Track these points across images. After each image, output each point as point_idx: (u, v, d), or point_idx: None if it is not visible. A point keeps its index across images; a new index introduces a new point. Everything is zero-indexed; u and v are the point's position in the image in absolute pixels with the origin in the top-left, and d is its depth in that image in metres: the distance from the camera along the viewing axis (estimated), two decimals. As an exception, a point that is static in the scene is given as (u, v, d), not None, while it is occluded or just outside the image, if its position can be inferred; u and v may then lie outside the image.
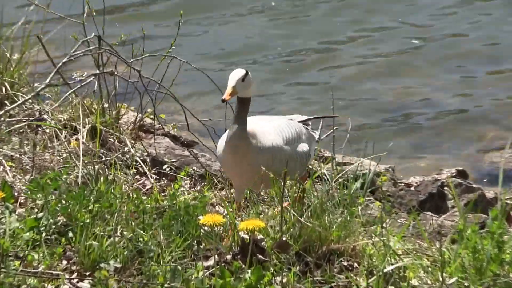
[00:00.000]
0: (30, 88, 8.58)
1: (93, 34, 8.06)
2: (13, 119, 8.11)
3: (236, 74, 6.44)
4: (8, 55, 8.82)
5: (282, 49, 14.51)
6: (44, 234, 6.14)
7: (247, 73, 6.45)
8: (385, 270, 6.04)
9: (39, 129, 8.31)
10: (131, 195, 6.73)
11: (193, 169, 8.22)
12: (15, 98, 8.41)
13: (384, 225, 6.72)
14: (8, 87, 8.59)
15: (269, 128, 6.73)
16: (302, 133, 6.91)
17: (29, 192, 6.53)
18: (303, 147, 6.85)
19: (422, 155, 10.15)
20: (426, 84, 13.55)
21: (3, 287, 5.57)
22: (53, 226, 6.23)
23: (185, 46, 11.21)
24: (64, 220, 6.26)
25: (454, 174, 8.57)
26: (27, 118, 8.31)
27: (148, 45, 8.85)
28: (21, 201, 6.78)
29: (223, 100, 6.46)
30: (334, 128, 8.26)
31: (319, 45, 14.80)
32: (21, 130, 8.14)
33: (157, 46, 10.32)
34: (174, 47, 8.49)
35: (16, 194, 6.71)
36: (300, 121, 7.11)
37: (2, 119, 7.99)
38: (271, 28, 15.48)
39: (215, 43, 13.96)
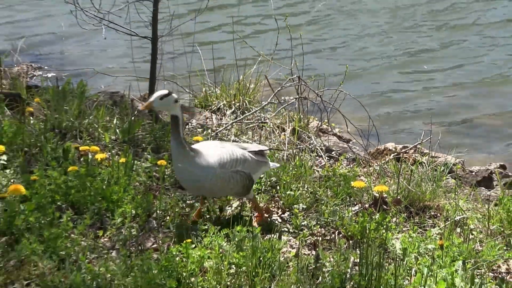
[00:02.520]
0: (259, 104, 9.57)
1: (295, 76, 9.27)
2: (249, 121, 9.06)
3: (158, 93, 6.21)
4: (248, 85, 9.89)
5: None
6: (263, 186, 7.19)
7: (168, 94, 6.14)
8: (455, 219, 6.91)
9: (263, 128, 8.99)
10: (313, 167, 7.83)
11: (349, 155, 8.78)
12: (250, 109, 9.40)
13: (456, 193, 7.62)
14: (247, 103, 9.61)
15: (212, 151, 6.30)
16: (243, 160, 6.36)
17: None
18: (242, 171, 6.32)
19: (481, 153, 10.27)
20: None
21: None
22: (268, 183, 7.27)
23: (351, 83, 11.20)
24: (274, 180, 7.27)
25: (498, 166, 9.27)
26: (256, 121, 9.12)
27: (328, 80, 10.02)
28: None
29: (139, 110, 6.67)
30: (430, 137, 8.78)
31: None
32: (253, 128, 8.93)
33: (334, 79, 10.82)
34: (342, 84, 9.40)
35: None
36: (254, 151, 6.55)
37: (244, 121, 8.97)
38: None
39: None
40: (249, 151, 6.57)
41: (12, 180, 6.23)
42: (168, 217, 6.30)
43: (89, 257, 5.57)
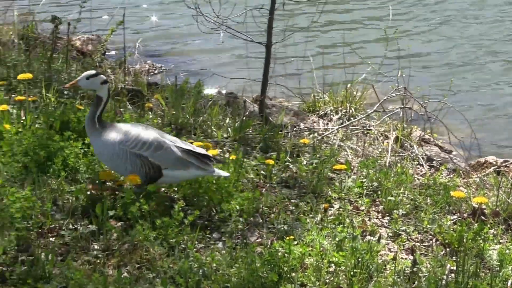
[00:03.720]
0: (364, 111, 9.50)
1: (401, 86, 9.14)
2: (354, 127, 9.03)
3: (85, 73, 6.06)
4: (355, 93, 9.88)
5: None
6: (365, 191, 6.99)
7: (96, 75, 5.99)
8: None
9: (367, 134, 8.92)
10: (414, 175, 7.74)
11: (450, 166, 8.55)
12: (356, 116, 9.39)
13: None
14: (353, 110, 9.59)
15: (123, 129, 5.95)
16: (155, 147, 5.86)
17: (360, 166, 7.45)
18: (146, 158, 5.84)
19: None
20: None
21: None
22: (370, 187, 7.02)
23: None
24: (376, 185, 7.10)
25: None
26: (362, 128, 9.07)
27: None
28: (354, 172, 7.45)
29: (63, 87, 6.34)
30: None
31: None
32: (357, 134, 8.88)
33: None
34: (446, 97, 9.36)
35: (351, 168, 7.48)
36: (185, 148, 5.97)
37: (349, 127, 8.97)
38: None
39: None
40: (177, 146, 6.04)
41: (130, 170, 6.35)
42: (273, 214, 6.29)
43: (197, 247, 5.64)
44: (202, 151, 6.17)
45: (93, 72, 6.07)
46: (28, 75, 7.36)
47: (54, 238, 5.52)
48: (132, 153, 5.92)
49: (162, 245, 5.47)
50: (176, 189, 6.18)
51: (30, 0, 11.72)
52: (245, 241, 5.81)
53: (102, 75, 6.06)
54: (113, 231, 5.53)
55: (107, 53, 10.88)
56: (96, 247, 5.46)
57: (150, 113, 7.93)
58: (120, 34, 9.25)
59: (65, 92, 7.91)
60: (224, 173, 6.18)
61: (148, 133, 6.01)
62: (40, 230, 5.56)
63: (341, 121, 9.37)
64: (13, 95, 7.65)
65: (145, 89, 8.76)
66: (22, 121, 6.81)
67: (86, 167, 6.22)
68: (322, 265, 5.47)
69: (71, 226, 5.66)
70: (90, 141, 6.14)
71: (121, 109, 7.71)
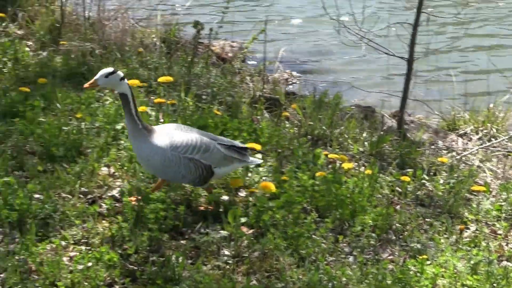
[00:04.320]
0: (507, 133, 9.03)
1: None
2: (495, 148, 8.64)
3: (103, 70, 5.88)
4: (497, 113, 9.48)
5: None
6: (503, 214, 6.71)
7: (113, 72, 5.81)
8: None
9: (509, 157, 8.43)
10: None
11: None
12: (498, 137, 9.00)
13: None
14: (495, 131, 9.19)
15: (169, 132, 5.93)
16: (204, 149, 5.87)
17: (499, 189, 7.19)
18: (198, 161, 5.85)
19: None
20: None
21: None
22: (509, 211, 6.79)
23: None
24: None
25: None
26: (503, 149, 8.63)
27: None
28: (493, 194, 7.14)
29: (83, 87, 6.00)
30: None
31: None
32: (498, 156, 8.46)
33: None
34: None
35: (490, 190, 7.17)
36: (225, 144, 6.01)
37: (490, 147, 8.64)
38: None
39: None
40: (219, 143, 6.07)
41: (263, 178, 6.42)
42: (406, 232, 6.21)
43: (328, 259, 5.62)
44: (240, 144, 6.23)
45: (111, 69, 5.91)
46: (168, 78, 7.55)
47: (185, 241, 5.63)
48: (185, 157, 5.90)
49: (293, 255, 5.49)
50: (309, 200, 6.19)
51: (174, 4, 12.04)
52: (376, 257, 5.76)
53: (119, 72, 5.94)
54: (244, 238, 5.59)
55: (247, 60, 11.01)
56: (226, 252, 5.54)
57: (286, 122, 7.98)
58: (261, 42, 9.36)
59: (204, 97, 8.08)
60: (258, 160, 6.30)
61: (193, 136, 6.00)
62: (172, 232, 5.68)
63: (481, 141, 9.10)
64: (152, 97, 7.87)
65: (282, 98, 8.82)
66: (160, 123, 6.98)
67: (220, 172, 6.30)
68: (455, 288, 5.36)
69: (202, 230, 5.76)
70: (132, 145, 6.01)
71: (258, 117, 7.81)
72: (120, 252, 5.38)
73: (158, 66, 8.64)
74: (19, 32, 9.55)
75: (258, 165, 6.55)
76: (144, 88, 7.95)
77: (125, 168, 6.45)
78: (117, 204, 5.95)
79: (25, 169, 6.42)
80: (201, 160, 5.92)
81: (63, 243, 5.44)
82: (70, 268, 5.18)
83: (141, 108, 6.97)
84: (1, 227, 5.65)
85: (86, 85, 5.94)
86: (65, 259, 5.31)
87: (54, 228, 5.66)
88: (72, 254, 5.41)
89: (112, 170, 6.48)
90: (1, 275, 5.13)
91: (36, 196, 5.96)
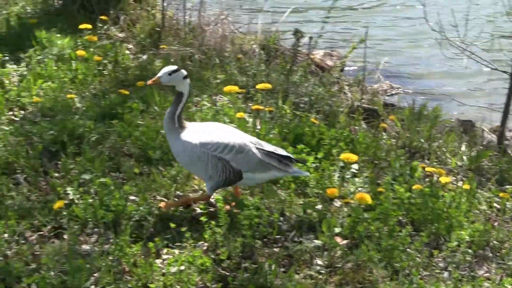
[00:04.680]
0: None
1: None
2: None
3: (167, 68, 5.93)
4: None
5: None
6: None
7: (177, 70, 5.88)
8: None
9: None
10: None
11: None
12: None
13: None
14: None
15: (204, 130, 5.91)
16: (237, 150, 5.78)
17: None
18: (228, 162, 5.77)
19: None
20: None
21: None
22: None
23: None
24: None
25: None
26: None
27: None
28: None
29: (145, 83, 5.98)
30: None
31: None
32: None
33: None
34: None
35: None
36: (267, 151, 5.85)
37: None
38: None
39: None
40: (259, 148, 5.90)
41: (359, 189, 6.39)
42: (504, 249, 6.08)
43: (422, 274, 5.55)
44: (284, 152, 6.05)
45: (175, 67, 5.96)
46: (267, 85, 7.58)
47: (278, 248, 5.63)
48: (214, 156, 5.84)
49: (386, 268, 5.44)
50: (405, 213, 6.13)
51: (274, 12, 12.10)
52: (472, 274, 5.67)
53: (183, 70, 5.97)
54: (338, 248, 5.56)
55: (345, 70, 10.98)
56: (319, 262, 5.52)
57: (384, 133, 7.93)
58: (361, 51, 9.33)
59: (301, 105, 8.10)
60: (303, 173, 6.11)
61: (229, 135, 5.92)
62: (265, 239, 5.70)
63: None
64: (250, 104, 7.93)
65: (381, 109, 8.77)
66: (257, 130, 7.03)
67: (316, 181, 6.30)
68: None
69: (296, 239, 5.77)
70: (168, 140, 6.03)
71: (356, 127, 7.79)
72: (213, 257, 5.43)
73: (256, 73, 8.71)
74: (120, 35, 9.75)
75: (354, 175, 6.51)
76: (242, 95, 8.01)
77: (221, 173, 6.49)
78: (211, 209, 6.00)
79: (121, 171, 6.56)
80: (230, 162, 5.84)
81: (157, 245, 5.52)
82: (163, 270, 5.25)
83: (238, 114, 7.05)
84: (97, 227, 5.78)
85: (149, 82, 6.00)
86: (158, 261, 5.39)
87: (148, 230, 5.75)
88: (165, 256, 5.50)
89: (207, 174, 6.53)
90: (95, 275, 5.24)
91: (132, 198, 6.08)
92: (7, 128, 7.08)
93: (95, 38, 8.85)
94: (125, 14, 10.06)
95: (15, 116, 7.46)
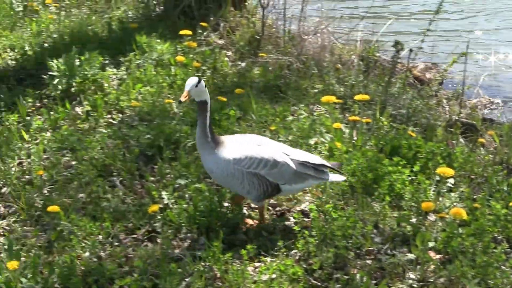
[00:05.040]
0: None
1: None
2: None
3: (190, 81, 5.78)
4: None
5: None
6: None
7: (199, 80, 5.76)
8: None
9: None
10: None
11: None
12: None
13: None
14: None
15: (237, 145, 5.82)
16: (271, 165, 5.75)
17: None
18: (263, 176, 5.73)
19: None
20: None
21: None
22: None
23: None
24: None
25: None
26: None
27: None
28: None
29: (180, 102, 5.82)
30: None
31: None
32: None
33: None
34: None
35: None
36: (299, 160, 5.84)
37: None
38: None
39: None
40: (293, 159, 5.88)
41: (454, 203, 6.33)
42: None
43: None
44: (318, 160, 6.04)
45: (196, 78, 5.82)
46: (365, 97, 7.58)
47: (371, 260, 5.62)
48: (248, 172, 5.81)
49: (480, 284, 5.36)
50: (501, 229, 6.04)
51: (374, 23, 12.05)
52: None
53: (202, 79, 5.80)
54: (431, 263, 5.52)
55: (444, 83, 10.85)
56: (412, 276, 5.48)
57: (481, 149, 7.82)
58: (461, 65, 9.20)
59: (399, 117, 8.06)
60: (339, 178, 6.09)
61: (262, 149, 5.86)
62: (358, 251, 5.70)
63: None
64: (347, 114, 7.93)
65: (479, 123, 8.64)
66: (353, 141, 7.04)
67: (411, 194, 6.27)
68: None
69: (389, 252, 5.74)
70: (200, 155, 5.96)
71: (453, 141, 7.71)
72: (304, 266, 5.47)
73: (354, 84, 8.70)
74: (220, 41, 9.87)
75: (450, 190, 6.46)
76: (339, 105, 8.03)
77: (316, 183, 6.52)
78: (305, 219, 6.04)
79: (216, 177, 6.64)
80: (266, 176, 5.81)
81: (250, 253, 5.59)
82: (254, 278, 5.32)
83: (335, 125, 7.07)
84: (190, 232, 5.89)
85: (182, 99, 5.82)
86: (249, 268, 5.45)
87: (241, 237, 5.83)
88: (257, 264, 5.56)
89: (302, 184, 6.57)
90: (187, 279, 5.33)
91: (226, 204, 6.16)
92: (105, 131, 7.29)
93: (194, 44, 8.99)
94: (225, 21, 10.18)
95: (113, 119, 7.65)
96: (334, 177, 6.07)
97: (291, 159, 5.92)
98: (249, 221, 6.05)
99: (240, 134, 6.43)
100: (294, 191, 6.07)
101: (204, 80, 5.88)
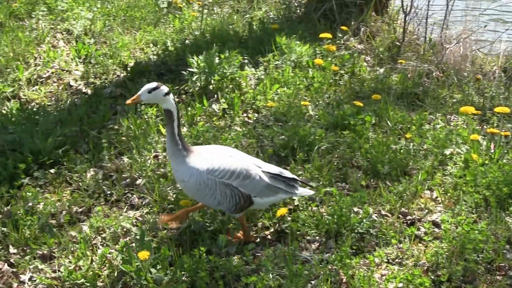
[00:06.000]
0: None
1: None
2: None
3: (146, 85, 5.71)
4: None
5: None
6: None
7: (156, 88, 5.65)
8: None
9: None
10: None
11: None
12: None
13: None
14: None
15: (209, 155, 5.74)
16: (244, 176, 5.68)
17: None
18: (236, 188, 5.67)
19: None
20: None
21: None
22: None
23: None
24: None
25: None
26: None
27: None
28: None
29: (126, 103, 5.63)
30: None
31: None
32: None
33: None
34: None
35: None
36: (271, 173, 5.78)
37: None
38: None
39: None
40: (265, 171, 5.83)
41: None
42: None
43: None
44: (289, 174, 5.97)
45: (154, 84, 5.75)
46: (505, 109, 7.42)
47: (501, 276, 5.53)
48: (221, 182, 5.74)
49: None
50: None
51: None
52: None
53: (164, 86, 5.79)
54: None
55: None
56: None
57: None
58: None
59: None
60: (308, 192, 5.99)
61: (235, 161, 5.81)
62: (488, 266, 5.60)
63: None
64: (485, 126, 7.80)
65: None
66: (490, 153, 6.92)
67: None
68: None
69: (522, 269, 5.63)
70: (171, 165, 5.87)
71: None
72: (432, 277, 5.42)
73: (494, 96, 8.54)
74: (359, 46, 9.87)
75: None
76: (477, 116, 7.91)
77: (449, 194, 6.46)
78: (435, 229, 5.99)
79: (348, 182, 6.67)
80: (238, 187, 5.76)
81: (377, 260, 5.57)
82: (380, 286, 5.31)
83: (472, 136, 6.96)
84: (318, 235, 5.92)
85: (128, 101, 5.84)
86: (376, 276, 5.44)
87: (369, 244, 5.82)
88: (383, 272, 5.54)
89: (435, 194, 6.53)
90: (312, 282, 5.37)
91: (356, 209, 6.18)
92: (240, 129, 7.41)
93: (333, 48, 9.02)
94: (365, 25, 10.16)
95: (249, 118, 7.76)
96: (303, 191, 6.01)
97: (263, 171, 5.91)
98: (238, 235, 6.03)
99: (210, 145, 6.41)
100: (265, 204, 5.99)
101: (164, 89, 5.75)
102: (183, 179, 5.81)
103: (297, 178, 6.03)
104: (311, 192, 6.11)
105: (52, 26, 10.14)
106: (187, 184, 5.81)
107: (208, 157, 5.83)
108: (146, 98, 5.78)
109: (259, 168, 5.93)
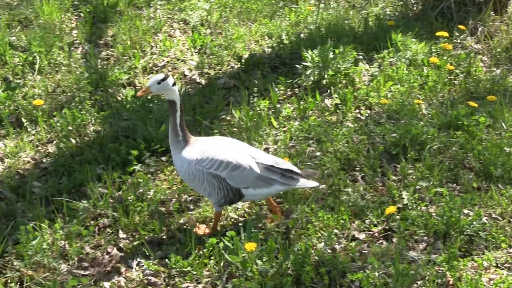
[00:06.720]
0: None
1: None
2: None
3: (155, 77, 5.83)
4: None
5: None
6: None
7: (165, 78, 5.78)
8: None
9: None
10: None
11: None
12: None
13: None
14: None
15: (204, 146, 5.82)
16: (233, 167, 5.71)
17: None
18: (223, 179, 5.72)
19: None
20: None
21: None
22: None
23: None
24: None
25: None
26: None
27: None
28: None
29: (136, 96, 5.58)
30: None
31: None
32: None
33: None
34: None
35: None
36: (266, 164, 5.76)
37: None
38: None
39: None
40: (259, 162, 5.85)
41: None
42: None
43: None
44: (287, 165, 5.95)
45: (162, 75, 5.87)
46: None
47: None
48: (209, 173, 5.81)
49: None
50: None
51: None
52: None
53: (171, 77, 5.90)
54: None
55: None
56: None
57: None
58: None
59: None
60: (311, 184, 5.94)
61: (227, 152, 5.86)
62: None
63: None
64: None
65: None
66: None
67: None
68: None
69: None
70: (171, 155, 6.03)
71: None
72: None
73: None
74: (476, 46, 9.71)
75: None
76: None
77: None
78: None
79: (459, 183, 6.60)
80: (226, 179, 5.81)
81: (485, 263, 5.51)
82: (488, 290, 5.26)
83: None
84: (426, 236, 5.89)
85: (139, 93, 6.02)
86: (484, 279, 5.39)
87: (478, 247, 5.76)
88: (492, 276, 5.47)
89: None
90: (418, 282, 5.35)
91: (466, 211, 6.11)
92: (351, 125, 7.41)
93: (450, 47, 8.90)
94: (483, 25, 9.99)
95: (361, 114, 7.75)
96: (305, 183, 5.97)
97: (257, 162, 5.90)
98: (202, 228, 6.13)
99: (214, 137, 6.57)
100: (259, 196, 6.00)
101: (171, 79, 5.91)
102: (177, 169, 6.03)
103: (295, 169, 6.01)
104: (315, 184, 6.07)
105: (169, 16, 10.31)
106: (180, 173, 6.04)
107: (202, 149, 5.95)
108: (155, 89, 5.95)
109: (253, 159, 5.94)
